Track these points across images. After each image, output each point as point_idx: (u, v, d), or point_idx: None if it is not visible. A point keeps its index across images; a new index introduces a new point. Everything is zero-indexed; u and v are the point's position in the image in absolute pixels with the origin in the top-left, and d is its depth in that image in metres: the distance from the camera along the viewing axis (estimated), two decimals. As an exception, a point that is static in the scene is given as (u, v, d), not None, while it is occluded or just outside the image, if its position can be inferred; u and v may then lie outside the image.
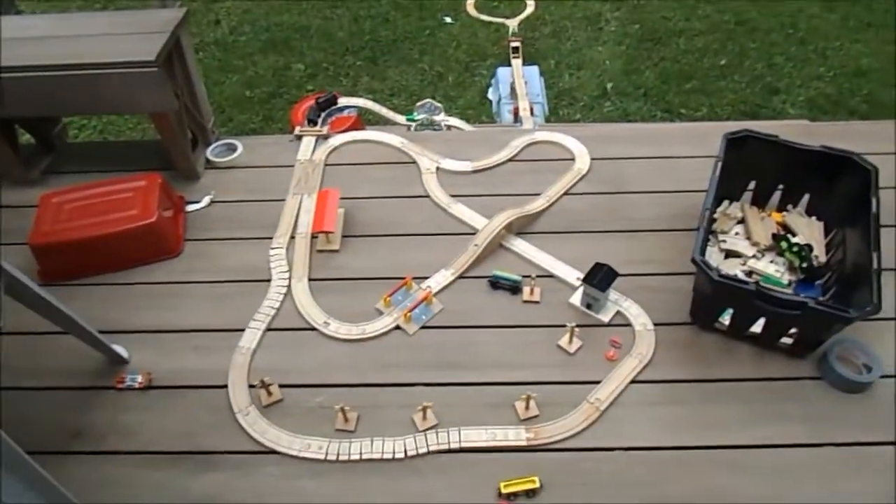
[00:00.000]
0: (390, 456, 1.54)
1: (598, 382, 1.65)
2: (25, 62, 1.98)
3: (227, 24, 4.26)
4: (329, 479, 1.51)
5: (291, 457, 1.54)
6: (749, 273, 1.85)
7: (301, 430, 1.59)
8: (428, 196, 2.20)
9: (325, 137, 2.45)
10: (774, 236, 1.88)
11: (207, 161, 2.37)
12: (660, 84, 3.62)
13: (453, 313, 1.84)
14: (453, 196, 2.18)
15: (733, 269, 1.85)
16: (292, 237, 2.07)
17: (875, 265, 1.54)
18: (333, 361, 1.74)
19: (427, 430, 1.58)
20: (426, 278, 1.92)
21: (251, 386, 1.68)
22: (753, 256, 1.87)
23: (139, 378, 1.70)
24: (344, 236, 2.07)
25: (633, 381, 1.66)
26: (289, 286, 1.92)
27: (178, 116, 2.16)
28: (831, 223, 1.90)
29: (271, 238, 2.06)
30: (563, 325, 1.72)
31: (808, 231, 1.91)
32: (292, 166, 2.32)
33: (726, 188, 1.93)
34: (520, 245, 2.01)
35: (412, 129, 2.67)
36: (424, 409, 1.58)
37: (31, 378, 1.73)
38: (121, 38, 2.06)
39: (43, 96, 2.05)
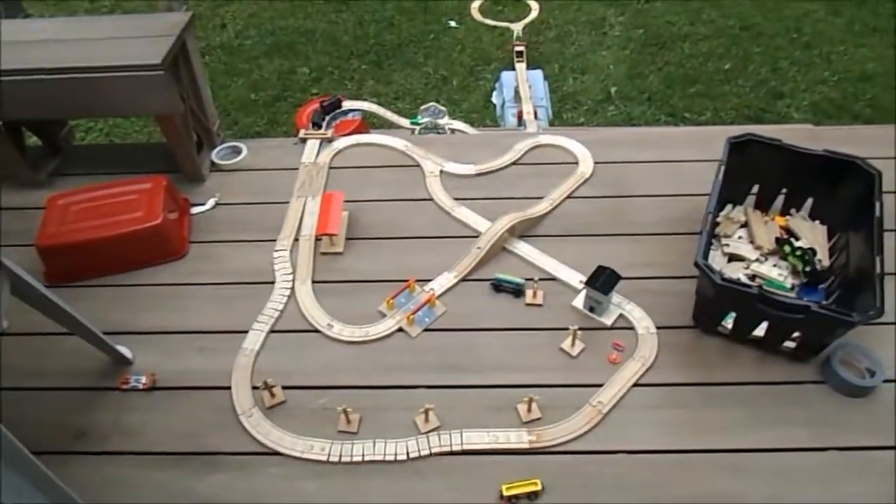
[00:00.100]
0: (392, 458, 1.54)
1: (600, 385, 1.65)
2: (33, 65, 1.99)
3: (232, 27, 4.28)
4: (331, 481, 1.52)
5: (294, 458, 1.55)
6: (752, 277, 1.85)
7: (304, 431, 1.59)
8: (431, 199, 2.20)
9: (330, 140, 2.46)
10: (778, 240, 1.88)
11: (212, 164, 2.38)
12: (664, 88, 3.63)
13: (456, 316, 1.85)
14: (457, 199, 2.18)
15: (736, 272, 1.85)
16: (296, 239, 2.08)
17: (878, 269, 1.54)
18: (336, 363, 1.75)
19: (429, 432, 1.58)
20: (429, 281, 1.92)
21: (255, 387, 1.68)
22: (756, 260, 1.87)
23: (143, 379, 1.71)
24: (348, 239, 2.07)
25: (635, 385, 1.65)
26: (292, 288, 1.93)
27: (184, 119, 2.17)
28: (835, 227, 1.90)
29: (275, 240, 2.07)
30: (566, 328, 1.73)
31: (812, 235, 1.90)
32: (297, 169, 2.33)
33: (730, 192, 1.93)
34: (523, 248, 2.01)
35: (416, 132, 2.68)
36: (427, 412, 1.58)
37: (35, 378, 1.74)
38: (127, 41, 2.07)
39: (50, 99, 2.07)
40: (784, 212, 1.99)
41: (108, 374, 1.73)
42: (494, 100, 3.40)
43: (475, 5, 4.10)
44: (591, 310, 1.81)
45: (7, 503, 1.10)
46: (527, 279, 1.89)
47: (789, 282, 1.82)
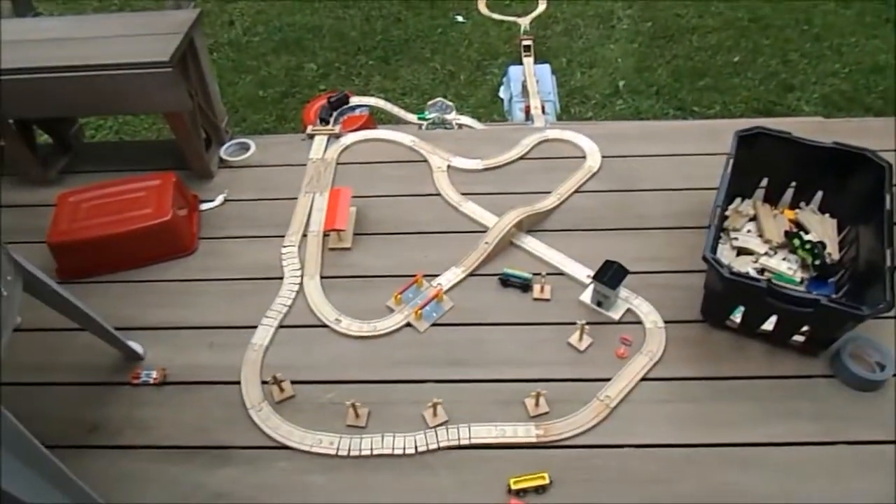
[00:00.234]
0: (401, 452, 1.55)
1: (608, 380, 1.65)
2: (43, 63, 2.01)
3: (240, 24, 4.29)
4: (340, 475, 1.53)
5: (303, 452, 1.56)
6: (761, 270, 1.84)
7: (312, 425, 1.60)
8: (439, 194, 2.20)
9: (337, 136, 2.47)
10: (787, 233, 1.87)
11: (221, 160, 2.39)
12: (672, 82, 3.60)
13: (464, 311, 1.85)
14: (464, 194, 2.19)
15: (745, 266, 1.84)
16: (304, 235, 2.09)
17: (889, 262, 1.52)
18: (345, 358, 1.76)
19: (437, 426, 1.59)
20: (437, 276, 1.93)
21: (264, 382, 1.70)
22: (765, 254, 1.86)
23: (154, 374, 1.72)
24: (356, 234, 2.08)
25: (643, 379, 1.65)
26: (301, 284, 1.94)
27: (193, 116, 2.19)
28: (844, 220, 1.89)
29: (284, 236, 2.08)
30: (574, 323, 1.73)
31: (821, 228, 1.89)
32: (304, 165, 2.34)
33: (738, 185, 1.92)
34: (530, 243, 2.01)
35: (423, 127, 2.68)
36: (435, 406, 1.59)
37: (48, 373, 1.76)
38: (136, 39, 2.08)
39: (60, 97, 2.09)
40: (793, 205, 1.98)
41: (119, 369, 1.75)
42: (502, 94, 3.39)
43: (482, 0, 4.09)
44: (599, 304, 1.81)
45: (28, 502, 1.12)
46: (534, 274, 1.89)
47: (798, 275, 1.81)
